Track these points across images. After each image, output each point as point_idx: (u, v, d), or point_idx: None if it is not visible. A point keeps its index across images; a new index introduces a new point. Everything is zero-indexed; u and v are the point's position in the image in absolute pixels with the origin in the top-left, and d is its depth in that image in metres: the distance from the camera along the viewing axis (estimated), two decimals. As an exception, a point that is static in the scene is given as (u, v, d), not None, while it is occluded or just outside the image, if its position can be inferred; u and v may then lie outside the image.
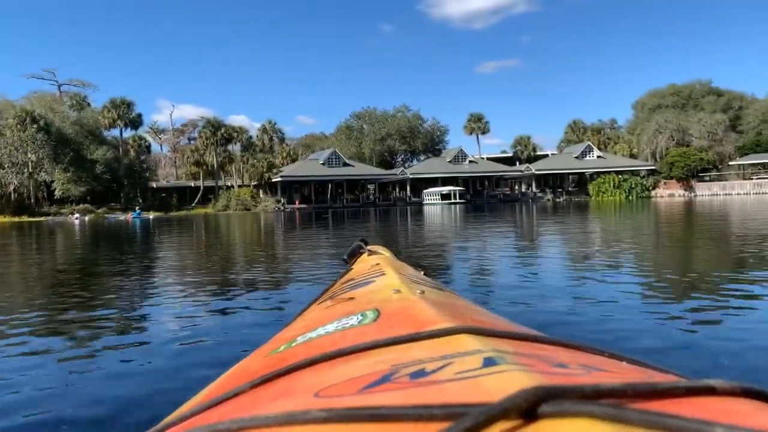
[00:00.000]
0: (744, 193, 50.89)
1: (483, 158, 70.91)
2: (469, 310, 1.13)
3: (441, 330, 0.73)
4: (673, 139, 60.15)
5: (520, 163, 70.37)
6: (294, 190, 62.01)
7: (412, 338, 0.74)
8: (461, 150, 66.65)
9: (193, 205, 60.78)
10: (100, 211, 51.23)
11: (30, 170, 51.11)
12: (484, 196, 64.25)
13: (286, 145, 72.89)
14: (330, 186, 63.67)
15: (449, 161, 65.38)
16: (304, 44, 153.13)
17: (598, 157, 64.51)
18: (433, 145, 74.46)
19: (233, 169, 64.64)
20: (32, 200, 52.85)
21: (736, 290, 4.33)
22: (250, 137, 68.95)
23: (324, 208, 51.96)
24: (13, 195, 51.23)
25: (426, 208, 43.25)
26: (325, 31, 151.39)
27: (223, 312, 4.14)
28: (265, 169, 59.12)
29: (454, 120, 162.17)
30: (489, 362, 0.56)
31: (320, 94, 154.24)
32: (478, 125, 73.81)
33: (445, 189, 59.32)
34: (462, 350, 0.64)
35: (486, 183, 67.98)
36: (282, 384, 0.71)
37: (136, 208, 49.98)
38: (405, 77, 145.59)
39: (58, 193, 52.06)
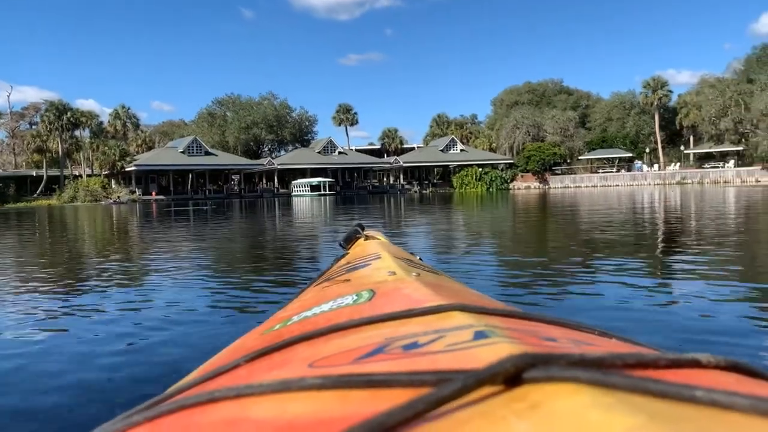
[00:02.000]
0: (592, 186, 54.90)
1: (352, 150, 70.80)
2: (464, 292, 1.17)
3: (434, 307, 0.75)
4: (529, 135, 63.55)
5: (387, 156, 71.09)
6: (150, 180, 58.03)
7: (405, 315, 0.75)
8: (331, 141, 65.98)
9: (34, 195, 55.00)
10: None
11: None
12: (353, 188, 64.14)
13: (141, 131, 68.14)
14: (191, 176, 60.36)
15: (318, 152, 64.46)
16: (158, 26, 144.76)
17: (461, 150, 66.72)
18: (302, 136, 73.15)
19: (81, 157, 59.32)
20: None
21: (583, 270, 4.95)
22: (101, 123, 63.68)
23: (184, 200, 49.02)
24: None
25: (295, 200, 42.18)
26: (181, 14, 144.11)
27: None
28: (117, 158, 54.69)
29: (320, 111, 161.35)
30: (480, 335, 0.57)
31: (177, 80, 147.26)
32: (346, 116, 73.59)
33: (315, 180, 58.35)
34: (454, 325, 0.65)
35: (355, 175, 67.95)
36: (278, 357, 0.72)
37: None
38: (269, 66, 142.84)
39: None
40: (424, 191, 60.70)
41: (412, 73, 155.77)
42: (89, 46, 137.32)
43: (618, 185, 53.25)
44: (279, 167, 61.50)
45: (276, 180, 62.42)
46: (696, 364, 0.46)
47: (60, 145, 57.04)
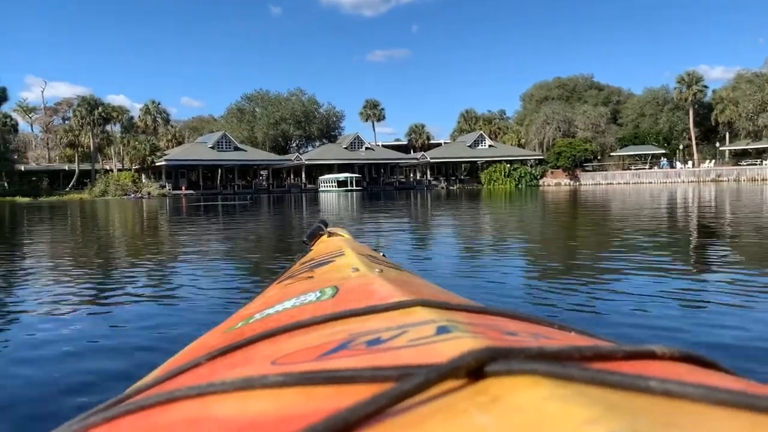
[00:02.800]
0: (624, 183, 53.82)
1: (379, 145, 70.60)
2: (426, 287, 1.17)
3: (397, 303, 0.75)
4: (560, 130, 62.61)
5: (414, 151, 70.75)
6: (180, 175, 58.62)
7: (369, 311, 0.75)
8: (358, 136, 65.86)
9: (67, 189, 55.96)
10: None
11: None
12: (380, 184, 63.98)
13: (171, 127, 68.89)
14: (220, 171, 60.82)
15: (345, 147, 64.41)
16: (187, 23, 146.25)
17: (490, 146, 66.04)
18: (329, 131, 73.21)
19: (112, 151, 60.21)
20: None
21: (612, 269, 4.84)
22: (132, 118, 64.53)
23: (213, 194, 49.41)
24: None
25: (322, 195, 42.20)
26: (209, 11, 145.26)
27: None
28: (147, 152, 55.28)
29: (346, 107, 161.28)
30: (442, 330, 0.57)
31: (206, 76, 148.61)
32: (373, 112, 73.37)
33: (342, 176, 58.31)
34: (417, 320, 0.65)
35: (382, 170, 67.76)
36: (240, 355, 0.72)
37: None
38: (296, 62, 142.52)
39: None
40: (451, 187, 60.24)
41: (438, 68, 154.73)
42: (120, 42, 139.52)
43: (651, 182, 52.08)
44: (306, 163, 61.62)
45: (303, 175, 62.57)
46: (651, 356, 0.47)
47: (91, 140, 57.92)
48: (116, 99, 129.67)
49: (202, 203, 29.26)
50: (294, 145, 71.86)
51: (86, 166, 58.69)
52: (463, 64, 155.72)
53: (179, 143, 65.16)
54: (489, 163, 62.52)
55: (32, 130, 76.88)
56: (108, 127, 60.44)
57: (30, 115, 76.21)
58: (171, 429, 0.50)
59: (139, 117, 66.36)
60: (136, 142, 56.41)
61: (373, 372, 0.45)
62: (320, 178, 60.76)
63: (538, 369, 0.39)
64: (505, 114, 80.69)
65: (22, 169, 58.16)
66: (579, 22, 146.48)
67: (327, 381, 0.46)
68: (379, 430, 0.36)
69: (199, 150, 58.65)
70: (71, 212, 22.41)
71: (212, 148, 58.27)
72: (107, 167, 60.27)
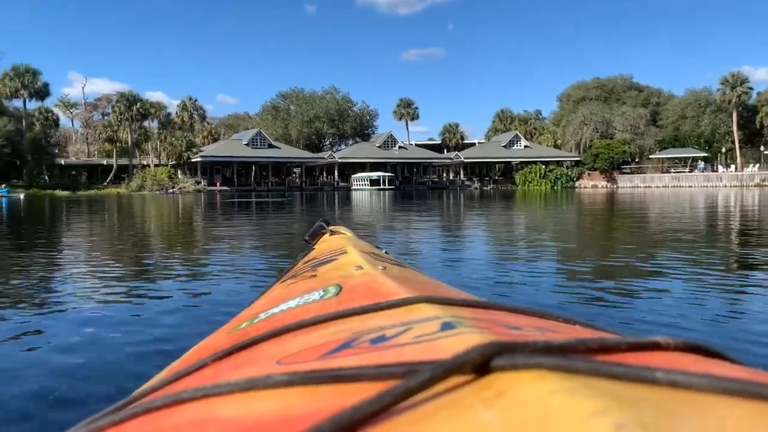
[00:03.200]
0: (663, 186, 52.41)
1: (412, 144, 70.31)
2: (430, 284, 1.17)
3: (401, 300, 0.75)
4: (597, 131, 61.41)
5: (447, 151, 70.26)
6: (215, 171, 59.28)
7: (373, 308, 0.75)
8: (391, 135, 65.67)
9: (105, 184, 57.08)
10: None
11: None
12: (412, 183, 63.69)
13: (207, 123, 69.73)
14: (254, 168, 61.30)
15: (378, 146, 64.27)
16: (223, 21, 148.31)
17: (525, 146, 65.14)
18: (362, 130, 73.18)
19: (149, 147, 61.19)
20: None
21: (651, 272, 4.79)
22: (169, 114, 65.55)
23: (247, 191, 49.82)
24: None
25: (354, 194, 42.17)
26: (245, 9, 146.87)
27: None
28: (184, 148, 56.00)
29: (379, 105, 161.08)
30: (446, 326, 0.57)
31: (242, 74, 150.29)
32: (407, 111, 73.09)
33: (374, 174, 58.19)
34: (421, 317, 0.65)
35: (414, 170, 67.45)
36: (244, 356, 0.72)
37: (3, 186, 42.45)
38: (330, 60, 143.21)
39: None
40: (484, 188, 59.61)
41: (473, 67, 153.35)
42: (159, 40, 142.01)
43: (691, 186, 50.61)
44: (339, 161, 61.68)
45: (336, 174, 62.67)
46: (656, 347, 0.46)
47: (129, 135, 58.97)
48: (154, 96, 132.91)
49: (236, 199, 29.46)
50: (327, 143, 72.07)
51: (124, 161, 59.79)
52: (499, 63, 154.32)
53: (215, 140, 65.93)
54: (524, 164, 61.67)
55: (72, 125, 78.83)
56: (146, 123, 61.47)
57: (71, 111, 78.15)
58: (177, 431, 0.50)
59: (176, 113, 67.34)
60: (173, 138, 57.20)
61: (377, 370, 0.45)
62: (353, 176, 60.74)
63: (543, 363, 0.39)
64: (541, 114, 79.63)
65: (62, 163, 59.52)
66: (618, 21, 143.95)
67: (332, 380, 0.46)
68: (385, 428, 0.36)
69: (234, 146, 59.23)
70: (108, 206, 22.75)
71: (247, 144, 58.77)
72: (144, 162, 61.27)
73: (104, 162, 61.58)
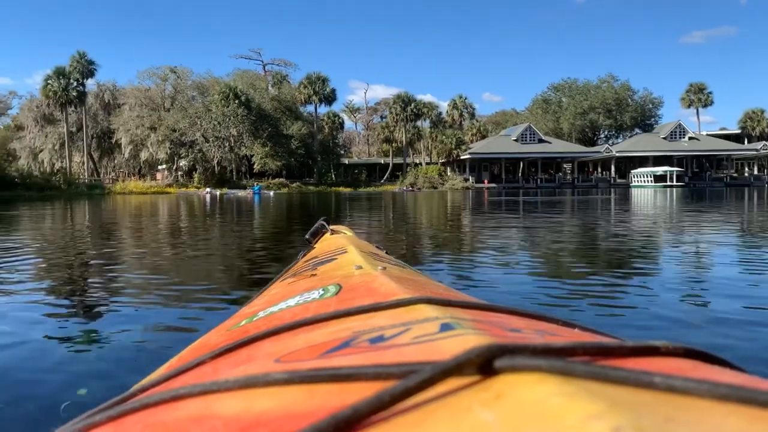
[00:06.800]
0: None
1: (704, 135, 61.33)
2: (430, 285, 1.17)
3: (400, 300, 0.75)
4: None
5: (749, 141, 59.73)
6: (483, 168, 58.79)
7: (372, 308, 0.75)
8: (680, 125, 58.05)
9: (381, 181, 60.54)
10: (294, 185, 52.73)
11: (231, 144, 53.49)
12: (705, 179, 55.43)
13: (476, 121, 69.73)
14: (522, 164, 59.37)
15: (664, 138, 57.39)
16: (486, 22, 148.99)
17: None
18: (643, 120, 66.16)
19: (422, 146, 63.29)
20: (233, 173, 55.87)
21: None
22: (440, 113, 67.04)
23: (515, 188, 48.16)
24: (216, 168, 54.39)
25: (634, 191, 37.56)
26: (508, 9, 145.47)
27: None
28: (453, 146, 56.57)
29: (658, 93, 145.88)
30: (446, 327, 0.57)
31: (507, 71, 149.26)
32: (698, 97, 63.92)
33: (659, 170, 51.81)
34: (420, 318, 0.65)
35: (706, 164, 58.74)
36: (243, 353, 0.72)
37: (255, 184, 48.08)
38: (600, 49, 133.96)
39: (257, 167, 54.14)
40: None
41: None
42: (428, 45, 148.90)
43: None
44: (617, 155, 56.47)
45: (612, 169, 57.50)
46: (655, 352, 0.46)
47: (404, 135, 61.62)
48: (424, 98, 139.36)
49: (503, 197, 27.90)
50: (603, 135, 66.75)
51: (398, 160, 62.73)
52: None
53: (483, 137, 65.63)
54: None
55: (356, 128, 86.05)
56: (418, 123, 63.70)
57: (354, 115, 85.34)
58: (175, 427, 0.50)
59: (447, 112, 68.66)
60: (443, 136, 58.18)
61: (376, 369, 0.44)
62: (633, 171, 55.08)
63: (542, 365, 0.39)
64: None
65: (347, 162, 64.72)
66: None
67: (330, 379, 0.46)
68: (383, 428, 0.36)
69: (502, 142, 58.08)
70: (384, 202, 23.05)
71: (516, 140, 57.16)
72: (417, 161, 63.57)
73: (381, 161, 65.43)
